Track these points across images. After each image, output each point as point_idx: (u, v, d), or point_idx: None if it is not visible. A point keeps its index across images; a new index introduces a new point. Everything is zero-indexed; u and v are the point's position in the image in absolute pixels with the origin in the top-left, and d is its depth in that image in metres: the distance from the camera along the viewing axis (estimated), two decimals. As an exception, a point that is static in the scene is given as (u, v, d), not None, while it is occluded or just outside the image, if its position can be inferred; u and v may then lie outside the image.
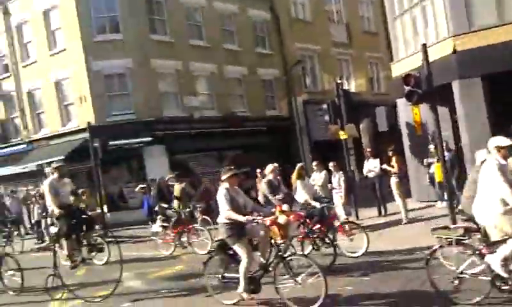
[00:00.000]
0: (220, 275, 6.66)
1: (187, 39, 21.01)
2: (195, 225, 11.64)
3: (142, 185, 15.06)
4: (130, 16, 19.38)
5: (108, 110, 19.12)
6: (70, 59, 19.50)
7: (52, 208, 8.88)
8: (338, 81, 15.40)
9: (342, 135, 13.73)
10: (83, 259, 9.00)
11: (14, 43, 21.63)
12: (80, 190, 11.94)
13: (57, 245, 8.89)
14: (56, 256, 7.97)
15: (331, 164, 12.50)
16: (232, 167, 6.87)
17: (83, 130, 17.56)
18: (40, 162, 20.22)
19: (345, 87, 20.33)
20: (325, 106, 15.47)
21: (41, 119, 21.45)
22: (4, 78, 22.32)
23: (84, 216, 9.38)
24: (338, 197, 12.10)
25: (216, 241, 6.97)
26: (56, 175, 9.17)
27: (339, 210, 11.78)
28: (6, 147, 21.89)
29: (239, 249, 6.35)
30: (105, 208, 16.62)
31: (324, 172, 12.29)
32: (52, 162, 18.85)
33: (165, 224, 11.58)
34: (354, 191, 13.58)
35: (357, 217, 13.01)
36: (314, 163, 12.67)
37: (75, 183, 19.52)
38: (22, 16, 21.08)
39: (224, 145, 20.72)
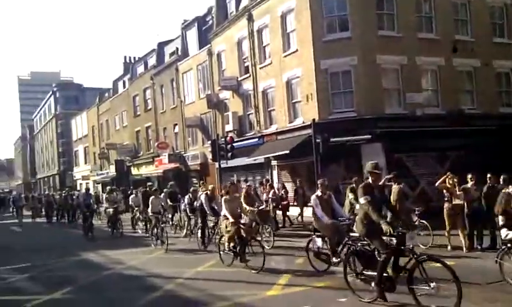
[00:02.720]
0: None
1: (415, 33, 20.34)
2: None
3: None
4: (359, 13, 19.72)
5: (331, 108, 19.91)
6: (300, 59, 20.94)
7: None
8: None
9: None
10: None
11: (254, 46, 24.33)
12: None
13: None
14: None
15: None
16: None
17: (307, 127, 18.74)
18: (267, 155, 22.45)
19: None
20: None
21: (271, 115, 23.68)
22: (244, 79, 25.40)
23: None
24: None
25: None
26: None
27: None
28: (241, 140, 24.74)
29: None
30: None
31: None
32: (278, 155, 21.07)
33: None
34: None
35: None
36: None
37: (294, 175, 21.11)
38: (263, 21, 23.45)
39: (446, 145, 19.27)
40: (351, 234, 8.67)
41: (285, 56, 21.95)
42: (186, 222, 16.81)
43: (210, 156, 24.24)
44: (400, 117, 19.42)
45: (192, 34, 32.76)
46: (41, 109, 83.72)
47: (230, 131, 25.49)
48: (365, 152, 18.99)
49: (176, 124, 33.66)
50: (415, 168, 19.36)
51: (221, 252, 11.09)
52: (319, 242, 9.54)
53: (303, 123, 20.36)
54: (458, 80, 20.95)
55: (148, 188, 18.94)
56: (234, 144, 22.01)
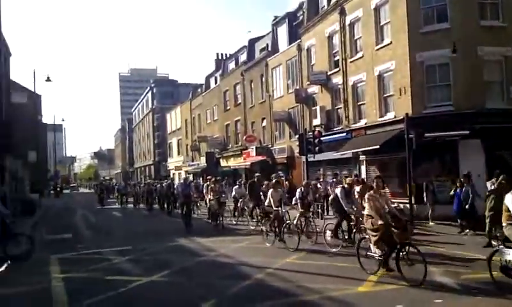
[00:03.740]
0: None
1: (523, 22, 18.88)
2: None
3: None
4: (459, 3, 18.80)
5: (426, 102, 19.08)
6: (394, 52, 20.29)
7: None
8: None
9: None
10: None
11: (346, 40, 23.99)
12: None
13: None
14: None
15: None
16: None
17: (399, 121, 18.10)
18: (356, 150, 22.04)
19: None
20: None
21: (361, 110, 23.20)
22: (333, 73, 25.12)
23: None
24: None
25: None
26: None
27: None
28: (329, 135, 24.51)
29: None
30: (412, 199, 16.83)
31: None
32: (367, 150, 20.58)
33: None
34: None
35: None
36: None
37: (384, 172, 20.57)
38: (355, 15, 23.05)
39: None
40: None
41: (378, 49, 21.38)
42: (296, 218, 14.29)
43: (297, 150, 24.34)
44: (503, 112, 18.13)
45: (283, 30, 33.01)
46: (139, 104, 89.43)
47: (318, 125, 25.36)
48: (462, 149, 17.98)
49: (264, 118, 34.18)
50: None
51: (361, 257, 9.43)
52: (510, 255, 7.56)
53: (395, 117, 19.74)
54: None
55: (255, 179, 18.72)
56: (321, 139, 21.90)
